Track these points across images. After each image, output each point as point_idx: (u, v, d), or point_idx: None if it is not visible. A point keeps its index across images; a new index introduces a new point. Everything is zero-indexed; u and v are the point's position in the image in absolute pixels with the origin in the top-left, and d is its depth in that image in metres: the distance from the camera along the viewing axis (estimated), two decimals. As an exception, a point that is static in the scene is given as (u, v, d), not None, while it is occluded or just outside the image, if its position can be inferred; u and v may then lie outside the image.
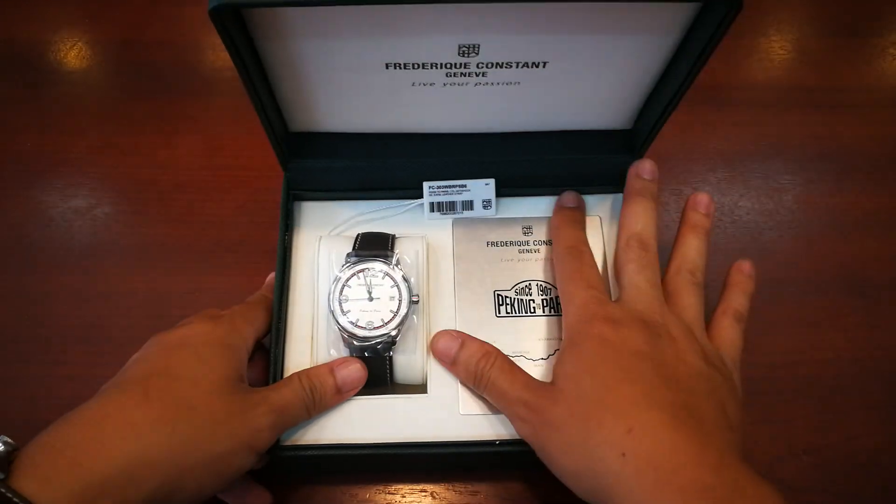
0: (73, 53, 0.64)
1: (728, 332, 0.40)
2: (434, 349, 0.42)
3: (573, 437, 0.34)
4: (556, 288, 0.45)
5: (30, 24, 0.66)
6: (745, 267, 0.43)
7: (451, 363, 0.42)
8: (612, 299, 0.41)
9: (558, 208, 0.46)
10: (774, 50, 0.67)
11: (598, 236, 0.47)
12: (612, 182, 0.48)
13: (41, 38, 0.65)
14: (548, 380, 0.40)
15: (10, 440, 0.29)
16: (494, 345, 0.43)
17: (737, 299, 0.41)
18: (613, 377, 0.35)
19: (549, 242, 0.47)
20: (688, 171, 0.60)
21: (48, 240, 0.55)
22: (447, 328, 0.44)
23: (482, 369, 0.40)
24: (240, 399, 0.36)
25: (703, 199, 0.43)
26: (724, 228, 0.57)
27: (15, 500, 0.27)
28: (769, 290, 0.54)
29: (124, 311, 0.51)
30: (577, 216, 0.45)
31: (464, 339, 0.42)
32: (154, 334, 0.39)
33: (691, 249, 0.41)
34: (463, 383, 0.42)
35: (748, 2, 0.32)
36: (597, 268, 0.42)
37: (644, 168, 0.43)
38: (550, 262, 0.46)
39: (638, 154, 0.46)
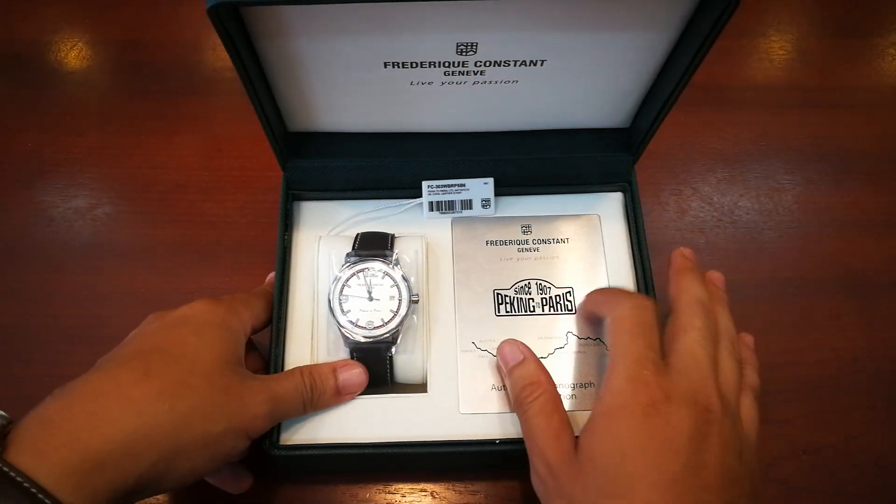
0: (73, 53, 0.65)
1: (749, 411, 0.37)
2: (499, 350, 0.41)
3: None
4: (555, 286, 0.45)
5: (30, 24, 0.66)
6: (748, 340, 0.41)
7: (506, 374, 0.41)
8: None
9: (679, 259, 0.42)
10: (774, 50, 0.67)
11: (597, 235, 0.47)
12: (611, 181, 0.48)
13: (41, 38, 0.65)
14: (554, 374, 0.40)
15: (4, 413, 0.29)
16: (493, 344, 0.43)
17: (752, 376, 0.40)
18: (640, 475, 0.32)
19: (547, 241, 0.47)
20: (688, 171, 0.60)
21: (49, 240, 0.55)
22: (448, 324, 0.44)
23: (524, 398, 0.38)
24: (238, 382, 0.36)
25: (716, 275, 0.42)
26: (724, 228, 0.57)
27: (11, 474, 0.27)
28: (769, 290, 0.54)
29: (124, 311, 0.51)
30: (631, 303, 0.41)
31: (527, 357, 0.40)
32: (157, 299, 0.39)
33: (725, 319, 0.39)
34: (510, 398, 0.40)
35: (748, 2, 0.32)
36: (660, 334, 0.38)
37: (687, 251, 0.41)
38: (549, 261, 0.46)
39: (636, 152, 0.46)
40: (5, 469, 0.27)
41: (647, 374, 0.34)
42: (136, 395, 0.32)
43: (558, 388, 0.42)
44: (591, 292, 0.42)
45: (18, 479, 0.27)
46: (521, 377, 0.39)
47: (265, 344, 0.43)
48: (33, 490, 0.27)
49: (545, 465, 0.35)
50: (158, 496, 0.45)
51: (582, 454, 0.34)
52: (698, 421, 0.33)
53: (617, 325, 0.37)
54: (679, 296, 0.39)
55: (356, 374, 0.41)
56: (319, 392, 0.40)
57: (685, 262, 0.41)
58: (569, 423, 0.36)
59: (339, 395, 0.41)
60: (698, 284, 0.39)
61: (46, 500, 0.27)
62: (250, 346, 0.43)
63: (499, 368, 0.42)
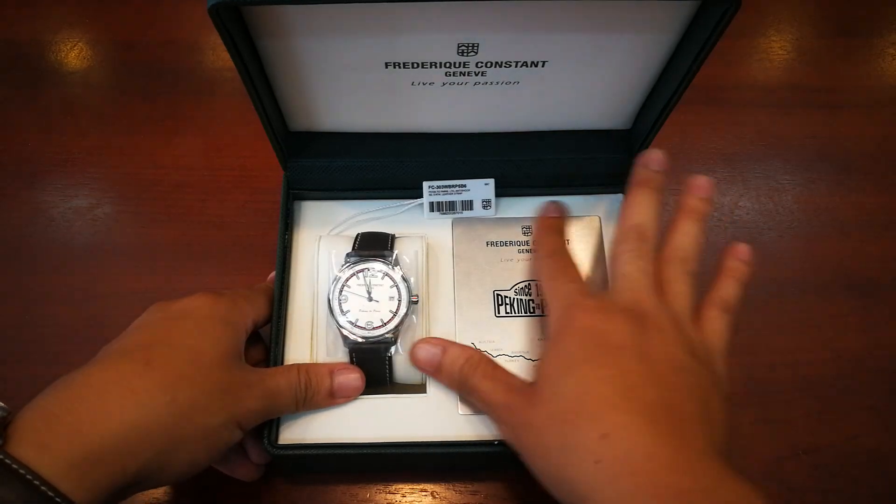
0: (73, 53, 0.65)
1: (714, 324, 0.38)
2: (415, 359, 0.41)
3: (550, 441, 0.33)
4: (555, 287, 0.45)
5: (30, 24, 0.66)
6: (740, 251, 0.40)
7: (435, 371, 0.41)
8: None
9: (540, 217, 0.44)
10: (774, 50, 0.67)
11: (598, 236, 0.47)
12: (612, 182, 0.48)
13: (41, 38, 0.65)
14: None
15: (3, 405, 0.29)
16: (493, 345, 0.43)
17: (727, 288, 0.39)
18: (593, 375, 0.33)
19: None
20: (688, 171, 0.60)
21: (49, 240, 0.55)
22: (447, 325, 0.44)
23: (466, 375, 0.39)
24: (237, 377, 0.36)
25: (703, 182, 0.40)
26: (724, 228, 0.57)
27: (14, 466, 0.27)
28: (769, 290, 0.54)
29: (124, 311, 0.50)
30: (559, 224, 0.44)
31: (445, 345, 0.41)
32: (156, 302, 0.39)
33: (685, 236, 0.39)
34: (451, 389, 0.41)
35: (748, 2, 0.32)
36: (578, 267, 0.40)
37: (652, 158, 0.41)
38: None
39: (637, 154, 0.46)
40: (8, 461, 0.27)
41: (579, 299, 0.37)
42: (138, 388, 0.32)
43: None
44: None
45: (21, 471, 0.27)
46: (453, 362, 0.40)
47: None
48: (36, 482, 0.27)
49: (507, 409, 0.36)
50: (158, 493, 0.45)
51: (538, 380, 0.36)
52: (635, 323, 0.35)
53: (540, 275, 0.41)
54: (620, 221, 0.40)
55: (353, 378, 0.41)
56: (314, 392, 0.40)
57: (643, 174, 0.41)
58: (512, 373, 0.39)
59: (333, 398, 0.41)
60: (643, 206, 0.40)
61: (50, 493, 0.27)
62: (255, 337, 0.43)
63: (424, 370, 0.42)
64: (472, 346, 0.43)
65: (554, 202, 0.45)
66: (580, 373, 0.34)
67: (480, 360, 0.40)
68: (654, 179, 0.41)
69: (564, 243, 0.43)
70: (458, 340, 0.43)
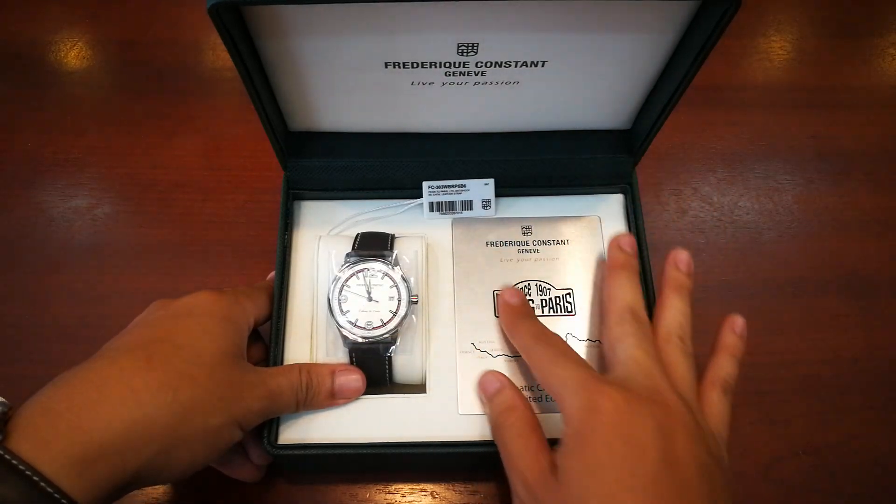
0: (73, 53, 0.65)
1: (717, 407, 0.38)
2: (479, 382, 0.42)
3: None
4: (555, 288, 0.45)
5: (30, 24, 0.66)
6: (737, 326, 0.41)
7: (487, 400, 0.41)
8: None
9: (505, 308, 0.43)
10: (774, 50, 0.67)
11: (598, 236, 0.47)
12: (612, 182, 0.48)
13: (41, 38, 0.65)
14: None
15: (3, 400, 0.29)
16: (493, 345, 0.43)
17: (726, 367, 0.39)
18: (620, 484, 0.32)
19: (548, 242, 0.47)
20: (688, 171, 0.60)
21: (48, 240, 0.55)
22: (447, 325, 0.44)
23: (501, 422, 0.38)
24: (239, 376, 0.36)
25: (683, 256, 0.41)
26: (723, 228, 0.57)
27: (13, 462, 0.27)
28: (769, 290, 0.54)
29: (124, 311, 0.50)
30: (527, 308, 0.43)
31: (505, 384, 0.40)
32: (157, 299, 0.39)
33: (679, 314, 0.40)
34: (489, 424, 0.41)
35: (748, 2, 0.32)
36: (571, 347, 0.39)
37: (624, 241, 0.43)
38: (549, 262, 0.46)
39: (637, 153, 0.46)
40: (7, 457, 0.27)
41: (598, 385, 0.35)
42: (139, 385, 0.32)
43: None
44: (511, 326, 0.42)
45: (21, 467, 0.27)
46: (499, 403, 0.39)
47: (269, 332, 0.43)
48: (35, 478, 0.27)
49: (524, 485, 0.35)
50: (157, 493, 0.45)
51: (561, 473, 0.34)
52: (660, 418, 0.33)
53: (535, 364, 0.38)
54: (609, 304, 0.40)
55: (353, 380, 0.41)
56: (314, 392, 0.40)
57: (620, 257, 0.42)
58: (546, 444, 0.36)
59: (334, 399, 0.41)
60: (628, 286, 0.40)
61: (49, 489, 0.27)
62: (255, 336, 0.43)
63: (479, 394, 0.42)
64: (513, 380, 0.42)
65: (511, 289, 0.44)
66: (607, 477, 0.32)
67: (522, 416, 0.38)
68: (630, 262, 0.42)
69: (543, 325, 0.41)
70: (457, 340, 0.44)
